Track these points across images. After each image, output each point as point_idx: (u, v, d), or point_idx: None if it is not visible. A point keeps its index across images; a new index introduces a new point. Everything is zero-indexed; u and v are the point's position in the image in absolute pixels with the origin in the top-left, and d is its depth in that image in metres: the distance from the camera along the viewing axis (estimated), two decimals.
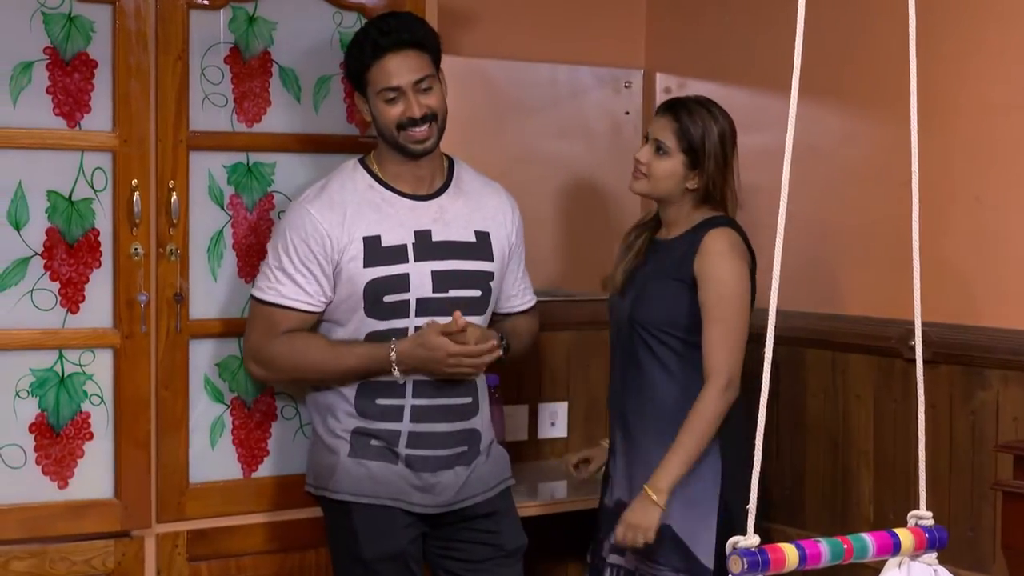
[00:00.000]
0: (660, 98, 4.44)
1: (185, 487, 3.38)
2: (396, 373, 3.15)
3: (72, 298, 3.24)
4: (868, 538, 1.88)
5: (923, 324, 2.02)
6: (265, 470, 3.48)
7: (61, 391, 3.24)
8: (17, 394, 3.21)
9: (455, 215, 3.26)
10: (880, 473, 3.74)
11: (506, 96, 4.29)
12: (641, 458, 3.32)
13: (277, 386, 3.45)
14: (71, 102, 3.21)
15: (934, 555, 1.94)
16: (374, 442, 3.20)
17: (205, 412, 3.41)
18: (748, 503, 3.05)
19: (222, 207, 3.40)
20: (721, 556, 3.18)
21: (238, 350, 3.41)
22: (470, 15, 4.01)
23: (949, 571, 1.97)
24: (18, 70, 3.16)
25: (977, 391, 3.47)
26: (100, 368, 3.28)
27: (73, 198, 3.23)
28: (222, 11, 3.36)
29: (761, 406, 1.78)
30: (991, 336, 3.42)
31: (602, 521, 3.47)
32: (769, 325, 1.77)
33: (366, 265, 3.16)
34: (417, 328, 3.17)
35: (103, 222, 3.25)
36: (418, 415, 3.20)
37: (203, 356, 3.40)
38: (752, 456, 3.13)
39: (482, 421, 3.32)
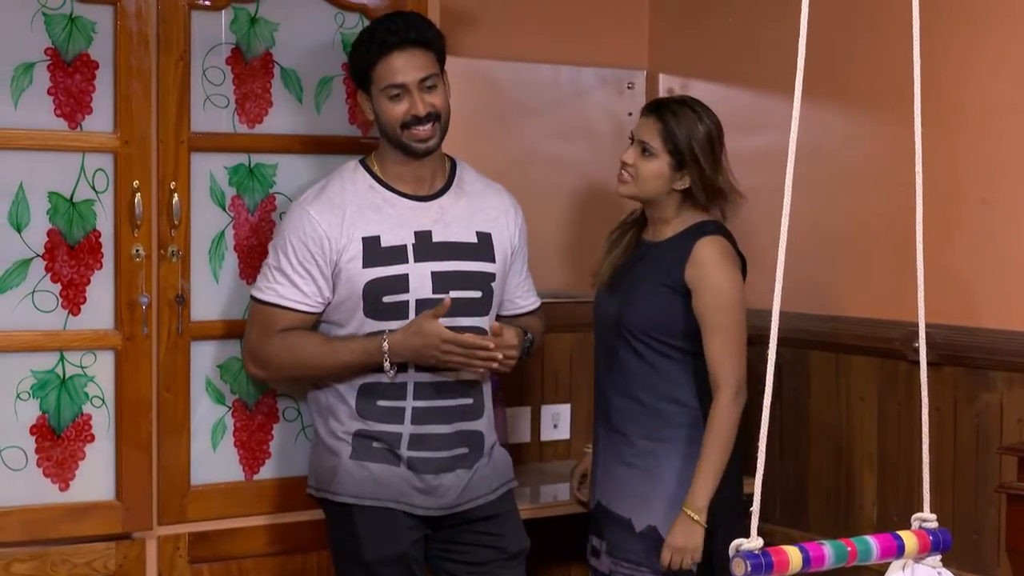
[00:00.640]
0: None
1: (186, 489, 3.37)
2: (387, 366, 3.13)
3: (73, 300, 3.23)
4: (872, 540, 1.87)
5: (927, 326, 2.01)
6: (267, 472, 3.47)
7: (62, 393, 3.24)
8: (18, 396, 3.20)
9: (456, 216, 3.25)
10: (884, 475, 3.73)
11: (509, 97, 4.29)
12: (623, 458, 3.32)
13: (278, 386, 3.44)
14: (72, 103, 3.20)
15: (938, 558, 1.94)
16: (376, 444, 3.19)
17: (206, 414, 3.40)
18: (732, 508, 3.06)
19: (223, 208, 3.39)
20: (705, 559, 3.18)
21: (239, 352, 3.40)
22: (472, 16, 4.00)
23: (953, 574, 1.97)
24: (19, 71, 3.15)
25: (981, 393, 3.46)
26: (101, 370, 3.27)
27: (74, 199, 3.22)
28: (224, 12, 3.36)
29: (764, 408, 1.77)
30: (995, 338, 3.41)
31: (590, 527, 3.47)
32: (772, 327, 1.76)
33: (365, 266, 3.15)
34: None
35: (104, 223, 3.25)
36: (419, 417, 3.19)
37: (205, 358, 3.39)
38: (737, 460, 3.14)
39: (485, 423, 3.31)
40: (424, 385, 3.18)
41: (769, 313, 1.78)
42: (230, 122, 3.39)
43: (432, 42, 3.20)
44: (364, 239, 3.15)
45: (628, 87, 4.44)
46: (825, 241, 3.89)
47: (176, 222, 3.29)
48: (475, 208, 3.29)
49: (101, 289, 3.25)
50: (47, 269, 3.20)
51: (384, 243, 3.16)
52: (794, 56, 1.76)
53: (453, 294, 3.17)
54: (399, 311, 3.16)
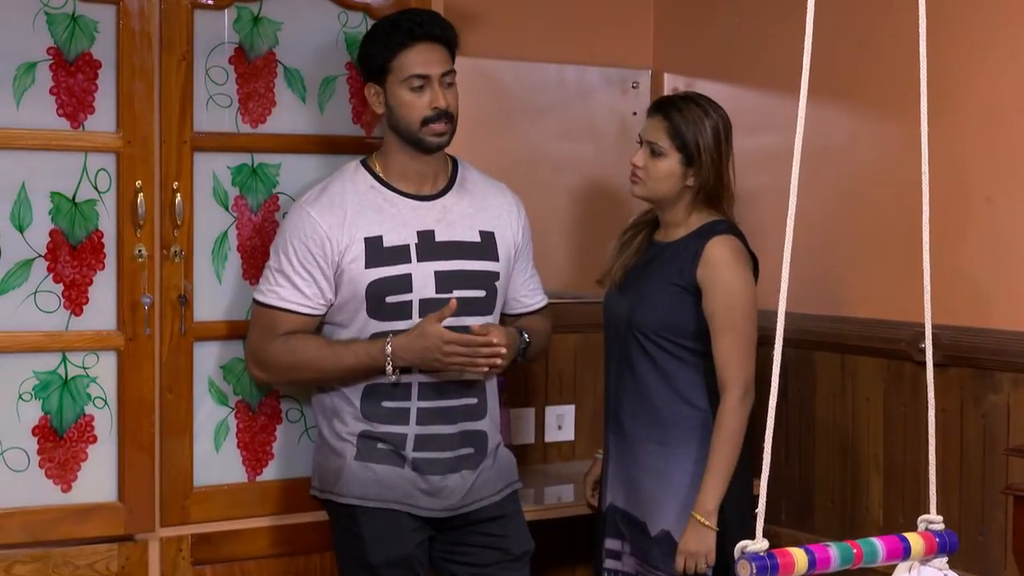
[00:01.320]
0: None
1: (189, 490, 3.36)
2: (388, 369, 3.11)
3: (75, 300, 3.22)
4: (878, 542, 1.87)
5: (933, 326, 2.00)
6: (270, 473, 3.47)
7: (64, 394, 3.23)
8: (20, 397, 3.19)
9: (459, 215, 3.24)
10: (890, 477, 3.72)
11: (513, 97, 4.28)
12: (636, 461, 3.30)
13: (281, 388, 3.43)
14: (75, 103, 3.20)
15: (944, 560, 1.93)
16: (381, 445, 3.18)
17: (209, 415, 3.39)
18: (745, 508, 3.04)
19: (227, 208, 3.38)
20: (719, 561, 3.17)
21: (243, 352, 3.39)
22: (477, 15, 3.99)
23: None
24: (21, 71, 3.15)
25: (988, 394, 3.45)
26: (104, 371, 3.26)
27: (77, 199, 3.21)
28: (227, 11, 3.35)
29: (770, 409, 1.76)
30: (1002, 338, 3.40)
31: (598, 526, 3.45)
32: (778, 328, 1.75)
33: (368, 266, 3.14)
34: None
35: (107, 224, 3.24)
36: (424, 417, 3.18)
37: (207, 359, 3.38)
38: (748, 463, 3.12)
39: (489, 423, 3.29)
40: (428, 385, 3.17)
41: (775, 313, 1.77)
42: (233, 122, 3.38)
43: (452, 42, 3.21)
44: (366, 239, 3.14)
45: (633, 87, 4.43)
46: (831, 241, 3.88)
47: (179, 222, 3.28)
48: (478, 207, 3.28)
49: (103, 289, 3.25)
50: (49, 269, 3.20)
51: (387, 243, 3.15)
52: (800, 55, 1.75)
53: (457, 294, 3.16)
54: (402, 311, 3.15)
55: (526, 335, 3.28)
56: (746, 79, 4.19)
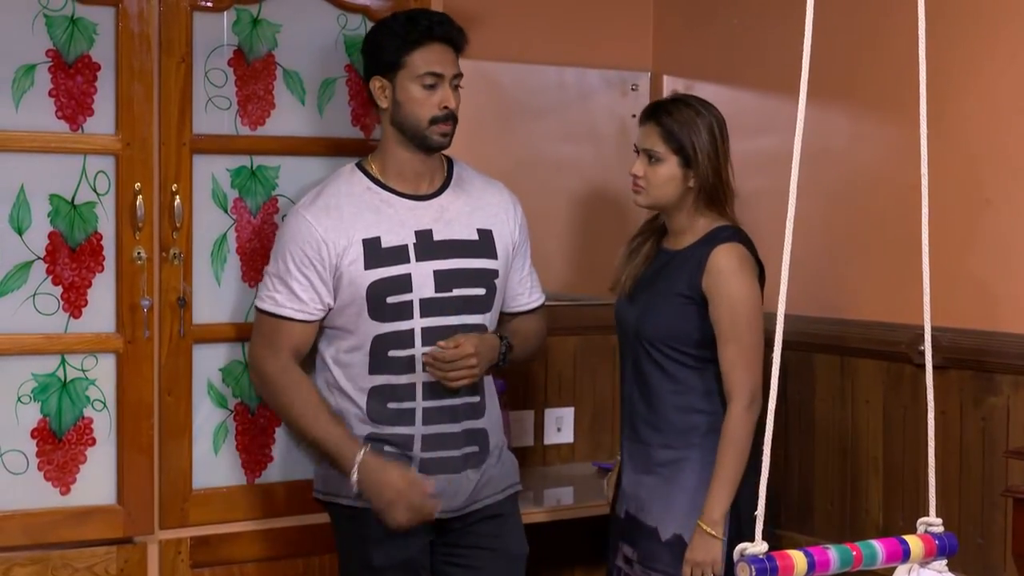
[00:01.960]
0: None
1: (188, 493, 3.36)
2: (354, 477, 3.09)
3: (75, 303, 3.22)
4: (877, 545, 1.86)
5: (933, 329, 2.00)
6: (269, 476, 3.47)
7: (63, 396, 3.23)
8: (19, 399, 3.19)
9: (456, 213, 3.24)
10: (889, 479, 3.71)
11: (512, 99, 4.27)
12: (648, 467, 3.30)
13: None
14: (74, 105, 3.20)
15: (944, 562, 1.93)
16: (387, 448, 3.17)
17: (208, 417, 3.39)
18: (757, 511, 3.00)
19: (226, 211, 3.38)
20: (732, 565, 3.15)
21: (242, 355, 3.39)
22: (476, 17, 3.98)
23: None
24: (20, 73, 3.15)
25: (987, 396, 3.45)
26: (103, 373, 3.26)
27: (76, 202, 3.21)
28: (226, 13, 3.35)
29: (769, 412, 1.76)
30: (1002, 341, 3.40)
31: (612, 531, 3.44)
32: (777, 330, 1.75)
33: (367, 267, 3.13)
34: (423, 329, 3.15)
35: (106, 226, 3.24)
36: (430, 417, 3.17)
37: (206, 361, 3.38)
38: (754, 467, 3.11)
39: (490, 421, 3.29)
40: (432, 384, 3.16)
41: (775, 316, 1.77)
42: (232, 124, 3.38)
43: (462, 47, 3.23)
44: (364, 241, 3.14)
45: (632, 89, 4.43)
46: (830, 243, 3.87)
47: (178, 224, 3.28)
48: (475, 205, 3.28)
49: (102, 292, 3.25)
50: (48, 272, 3.19)
51: (385, 244, 3.14)
52: (799, 58, 1.75)
53: (456, 292, 3.17)
54: (403, 312, 3.14)
55: (506, 339, 3.27)
56: (746, 81, 4.19)
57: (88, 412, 3.26)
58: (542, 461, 4.33)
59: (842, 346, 3.83)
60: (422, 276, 3.15)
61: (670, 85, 4.42)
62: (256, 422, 3.44)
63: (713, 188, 3.27)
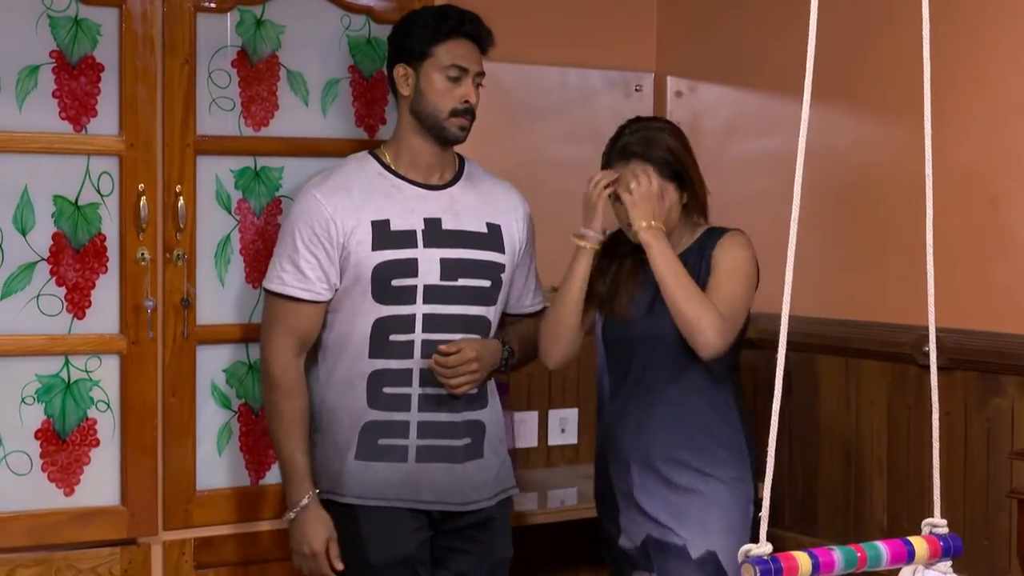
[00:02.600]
0: (671, 102, 4.42)
1: (192, 494, 3.36)
2: (289, 515, 3.17)
3: (78, 304, 3.22)
4: (882, 546, 1.86)
5: (937, 330, 1.99)
6: (273, 477, 3.46)
7: (67, 397, 3.23)
8: (23, 400, 3.19)
9: (466, 205, 3.24)
10: (894, 480, 3.71)
11: (515, 100, 4.27)
12: (673, 485, 3.18)
13: None
14: (77, 106, 3.19)
15: (949, 563, 1.92)
16: (382, 441, 3.16)
17: (212, 419, 3.39)
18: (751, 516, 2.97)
19: (229, 212, 3.38)
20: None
21: (246, 356, 3.39)
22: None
23: None
24: (24, 74, 3.14)
25: (992, 398, 3.44)
26: (106, 374, 3.26)
27: (79, 203, 3.21)
28: (229, 14, 3.35)
29: (774, 413, 1.75)
30: (1007, 342, 3.39)
31: (622, 566, 3.30)
32: (782, 331, 1.75)
33: (374, 248, 3.13)
34: (425, 316, 3.14)
35: (109, 227, 3.24)
36: (426, 404, 3.16)
37: (210, 362, 3.38)
38: (750, 470, 3.01)
39: (490, 416, 3.27)
40: (430, 371, 3.15)
41: (778, 317, 1.76)
42: (236, 125, 3.37)
43: (487, 48, 3.26)
44: (373, 222, 3.14)
45: (636, 89, 4.42)
46: (835, 244, 3.87)
47: (181, 225, 3.28)
48: (485, 200, 3.29)
49: (106, 293, 3.24)
50: (52, 273, 3.19)
51: (394, 227, 3.15)
52: (803, 58, 1.75)
53: (462, 282, 3.17)
54: (406, 296, 3.14)
55: (508, 345, 3.26)
56: (749, 81, 4.18)
57: (92, 413, 3.25)
58: (546, 462, 4.32)
59: (846, 347, 3.82)
60: (428, 262, 3.15)
61: (673, 86, 4.42)
62: (260, 423, 3.43)
63: (699, 195, 3.24)
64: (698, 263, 3.20)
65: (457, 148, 3.29)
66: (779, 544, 1.79)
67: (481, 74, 3.21)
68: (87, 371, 3.24)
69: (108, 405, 3.27)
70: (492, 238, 3.26)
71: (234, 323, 3.39)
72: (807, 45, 1.75)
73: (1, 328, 3.16)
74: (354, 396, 3.17)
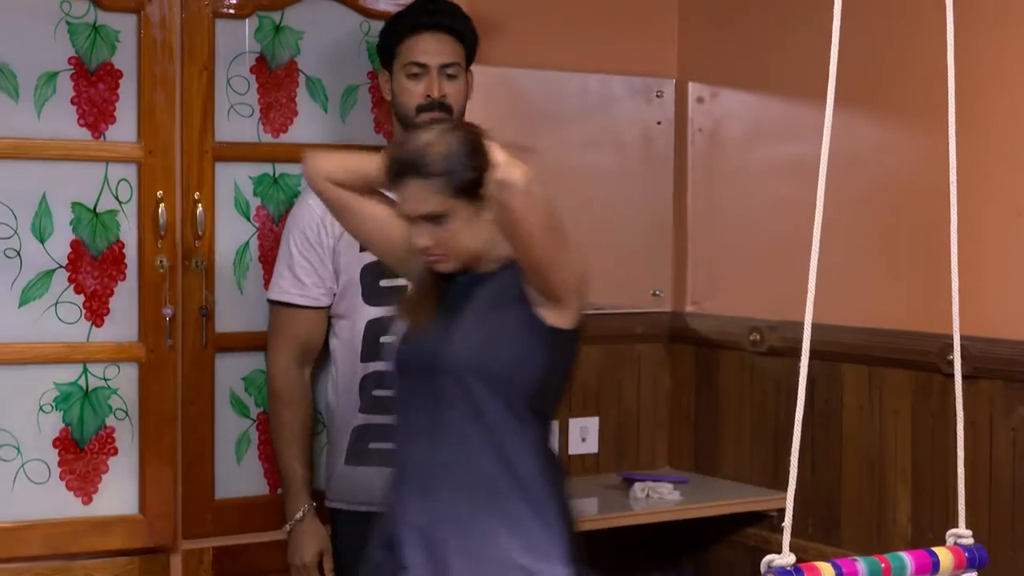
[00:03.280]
0: (693, 108, 4.39)
1: (210, 503, 3.34)
2: (286, 527, 3.17)
3: (97, 311, 3.21)
4: (906, 557, 1.85)
5: (962, 338, 1.98)
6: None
7: (85, 405, 3.22)
8: (41, 408, 3.18)
9: None
10: (918, 490, 3.68)
11: (535, 106, 4.25)
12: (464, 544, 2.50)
13: None
14: (96, 112, 3.19)
15: (974, 574, 1.90)
16: (372, 445, 3.13)
17: (231, 427, 3.38)
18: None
19: (248, 219, 3.37)
20: None
21: (264, 364, 3.38)
22: (499, 24, 3.97)
23: None
24: (42, 80, 3.14)
25: (1017, 406, 3.41)
26: (125, 382, 3.25)
27: (98, 210, 3.20)
28: (248, 20, 3.34)
29: (796, 421, 1.73)
30: None
31: None
32: (805, 339, 1.73)
33: (362, 249, 3.11)
34: None
35: (128, 234, 3.23)
36: None
37: (229, 370, 3.37)
38: (558, 509, 2.62)
39: None
40: None
41: (801, 325, 1.75)
42: (255, 131, 3.37)
43: (464, 35, 3.19)
44: None
45: (657, 96, 4.40)
46: (858, 252, 3.84)
47: (200, 232, 3.27)
48: None
49: (125, 300, 3.24)
50: (70, 280, 3.19)
51: None
52: (826, 64, 1.73)
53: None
54: (395, 296, 3.08)
55: None
56: (772, 87, 4.16)
57: (110, 421, 3.25)
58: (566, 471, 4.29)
59: (870, 356, 3.79)
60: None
61: (695, 92, 4.40)
62: None
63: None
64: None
65: None
66: (802, 555, 1.77)
67: (452, 65, 3.14)
68: (105, 379, 3.23)
69: (126, 413, 3.26)
70: None
71: (253, 331, 3.37)
72: (830, 50, 1.73)
73: (19, 336, 3.15)
74: (350, 400, 3.16)
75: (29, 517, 3.17)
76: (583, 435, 4.32)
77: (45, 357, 3.17)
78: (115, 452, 3.25)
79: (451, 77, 3.14)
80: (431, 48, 3.13)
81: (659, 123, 4.40)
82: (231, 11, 3.31)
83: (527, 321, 2.50)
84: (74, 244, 3.19)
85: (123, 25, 3.20)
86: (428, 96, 3.11)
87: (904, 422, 3.72)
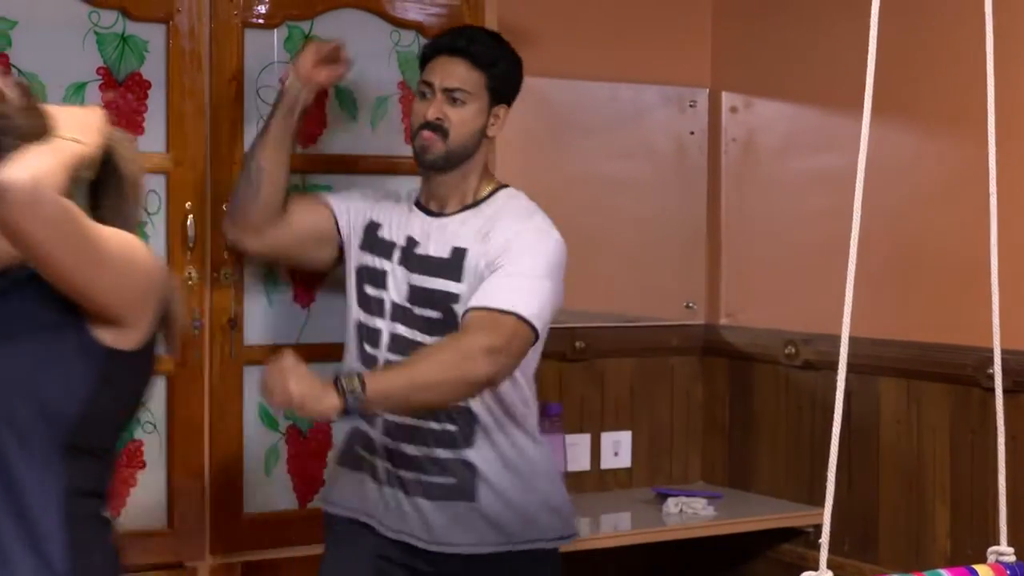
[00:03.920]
0: (726, 118, 4.37)
1: (239, 517, 3.32)
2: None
3: None
4: (946, 575, 1.81)
5: (1002, 351, 1.95)
6: (321, 500, 3.41)
7: None
8: None
9: (449, 233, 3.03)
10: (957, 506, 3.64)
11: (567, 116, 4.23)
12: None
13: None
14: (124, 123, 3.17)
15: None
16: (358, 449, 3.07)
17: (259, 440, 3.35)
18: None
19: None
20: None
21: None
22: (529, 33, 3.95)
23: None
24: (71, 91, 3.13)
25: None
26: (153, 395, 3.22)
27: None
28: (277, 30, 3.32)
29: (834, 436, 1.70)
30: None
31: None
32: (842, 353, 1.70)
33: (361, 248, 3.08)
34: (392, 335, 3.00)
35: (157, 245, 3.21)
36: (390, 430, 3.00)
37: (257, 383, 3.32)
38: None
39: (482, 455, 2.99)
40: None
41: (838, 338, 1.72)
42: None
43: (484, 63, 3.03)
44: (370, 222, 3.11)
45: (690, 105, 4.37)
46: (895, 263, 3.81)
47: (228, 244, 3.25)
48: (471, 225, 3.02)
49: None
50: None
51: (380, 234, 3.10)
52: (862, 72, 1.70)
53: (417, 310, 2.99)
54: (377, 308, 3.05)
55: (357, 379, 2.65)
56: (807, 96, 4.13)
57: (138, 435, 3.23)
58: (599, 486, 4.28)
59: (908, 369, 3.76)
60: (397, 280, 3.03)
61: (728, 101, 4.37)
62: (308, 445, 3.40)
63: None
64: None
65: (508, 165, 3.23)
66: (839, 572, 1.74)
67: (459, 91, 3.00)
68: None
69: (155, 426, 3.24)
70: (452, 265, 2.98)
71: (282, 343, 3.35)
72: (867, 58, 1.70)
73: None
74: None
75: None
76: (616, 449, 4.29)
77: None
78: (143, 466, 3.23)
79: (456, 102, 3.00)
80: (439, 70, 3.02)
81: (692, 133, 4.37)
82: (260, 21, 3.29)
83: (70, 343, 2.02)
84: None
85: (152, 35, 3.19)
86: (424, 118, 3.01)
87: (943, 437, 3.68)
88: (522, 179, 3.34)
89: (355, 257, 3.11)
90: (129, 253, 2.02)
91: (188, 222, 3.21)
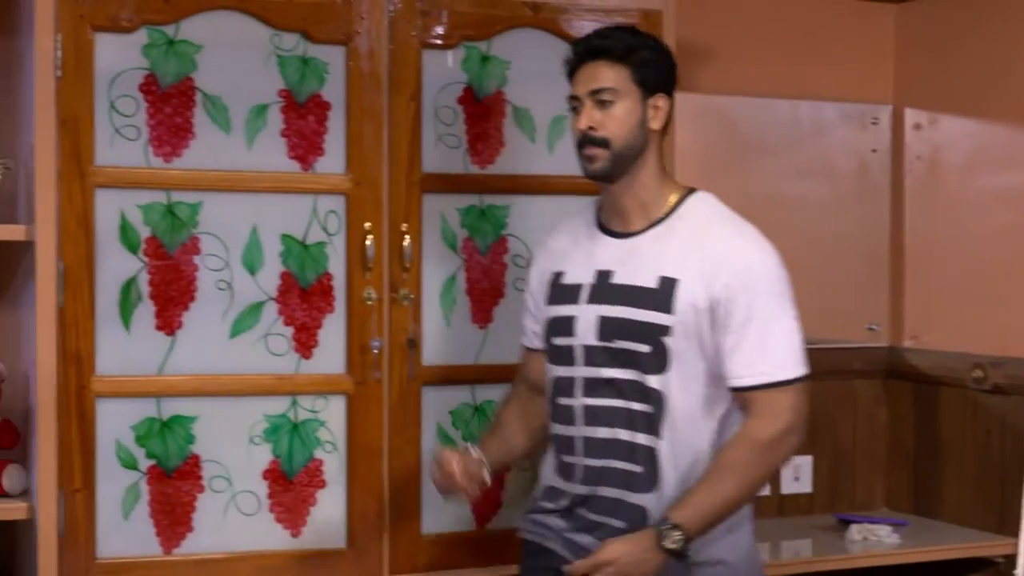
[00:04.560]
0: (910, 135, 4.28)
1: (418, 537, 3.32)
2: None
3: (305, 343, 3.22)
4: None
5: None
6: (499, 522, 3.40)
7: (294, 437, 3.22)
8: (251, 440, 3.20)
9: (649, 256, 2.83)
10: None
11: (745, 134, 4.18)
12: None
13: None
14: (305, 144, 3.20)
15: None
16: (547, 504, 2.93)
17: None
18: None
19: (455, 251, 3.34)
20: None
21: (471, 398, 3.35)
22: (708, 50, 3.91)
23: None
24: (253, 113, 3.17)
25: None
26: (333, 415, 3.25)
27: (307, 242, 3.21)
28: (454, 51, 3.32)
29: None
30: None
31: None
32: None
33: (548, 303, 2.94)
34: (585, 379, 2.83)
35: (336, 266, 3.23)
36: (590, 478, 2.85)
37: (436, 404, 3.34)
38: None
39: (661, 500, 2.78)
40: (594, 441, 2.83)
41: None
42: (462, 162, 3.34)
43: (623, 55, 2.83)
44: (554, 274, 2.93)
45: (872, 122, 4.29)
46: None
47: (407, 265, 3.25)
48: (678, 248, 2.82)
49: (333, 333, 3.23)
50: (280, 312, 3.20)
51: (565, 280, 2.91)
52: None
53: (618, 344, 2.80)
54: (565, 356, 2.87)
55: (669, 525, 2.66)
56: (994, 112, 4.02)
57: (319, 453, 3.24)
58: (779, 511, 4.20)
59: None
60: (586, 321, 2.84)
61: (912, 118, 4.28)
62: None
63: None
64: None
65: (689, 181, 3.16)
66: None
67: (601, 91, 2.80)
68: (314, 411, 3.23)
69: (335, 446, 3.25)
70: (660, 295, 2.78)
71: (459, 364, 3.34)
72: None
73: (230, 367, 3.17)
74: (549, 457, 2.97)
75: (239, 548, 3.18)
76: (797, 474, 4.22)
77: (255, 389, 3.19)
78: (323, 485, 3.25)
79: (603, 103, 2.81)
80: (586, 78, 2.83)
81: (874, 151, 4.29)
82: (438, 41, 3.29)
83: None
84: (284, 276, 3.20)
85: (331, 57, 3.21)
86: (579, 129, 2.83)
87: None
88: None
89: (544, 312, 2.95)
90: None
91: (367, 243, 3.22)
